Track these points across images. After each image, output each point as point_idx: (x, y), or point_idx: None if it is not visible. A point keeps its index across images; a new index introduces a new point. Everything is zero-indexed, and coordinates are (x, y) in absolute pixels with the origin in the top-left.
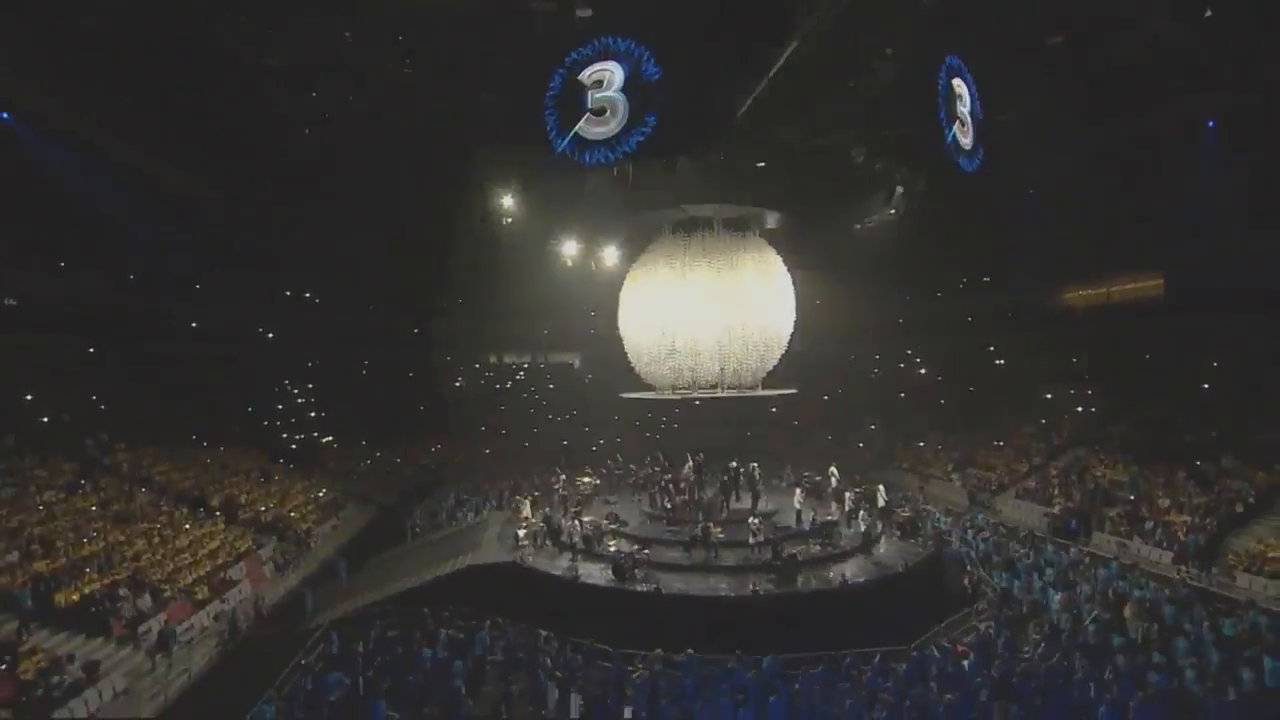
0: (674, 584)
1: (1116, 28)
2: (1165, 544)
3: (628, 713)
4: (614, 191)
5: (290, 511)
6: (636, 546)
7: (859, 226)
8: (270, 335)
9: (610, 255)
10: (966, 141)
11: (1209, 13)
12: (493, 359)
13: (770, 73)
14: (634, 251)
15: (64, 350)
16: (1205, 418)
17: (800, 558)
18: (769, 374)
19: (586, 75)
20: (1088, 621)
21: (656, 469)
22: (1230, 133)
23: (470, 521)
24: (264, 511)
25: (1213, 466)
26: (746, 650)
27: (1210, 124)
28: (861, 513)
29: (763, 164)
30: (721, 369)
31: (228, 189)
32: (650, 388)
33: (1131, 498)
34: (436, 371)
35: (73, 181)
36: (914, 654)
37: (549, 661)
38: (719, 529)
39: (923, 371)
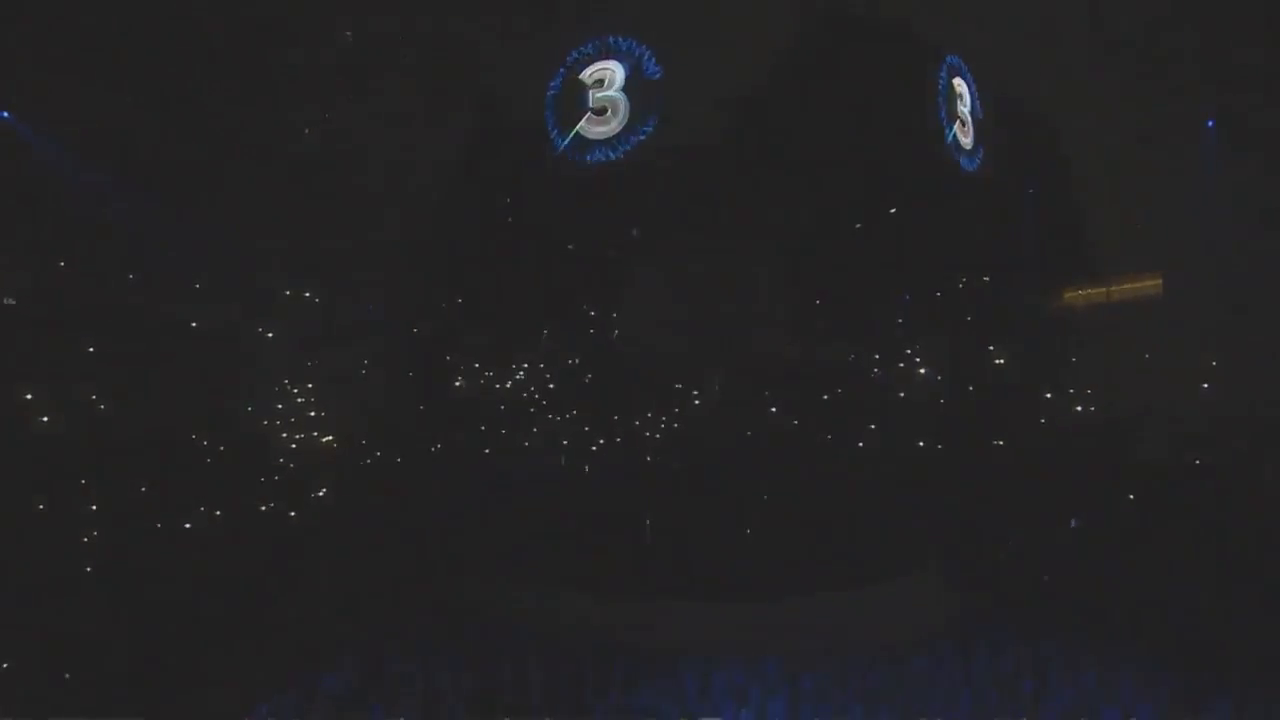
0: None
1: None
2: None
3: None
4: None
5: (290, 511)
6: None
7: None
8: (270, 335)
9: None
10: (966, 141)
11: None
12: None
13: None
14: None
15: (64, 350)
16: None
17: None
18: None
19: (587, 74)
20: None
21: None
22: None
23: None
24: (262, 510)
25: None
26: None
27: (1210, 124)
28: None
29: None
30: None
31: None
32: None
33: (1131, 497)
34: (436, 371)
35: (73, 181)
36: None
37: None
38: None
39: (922, 371)
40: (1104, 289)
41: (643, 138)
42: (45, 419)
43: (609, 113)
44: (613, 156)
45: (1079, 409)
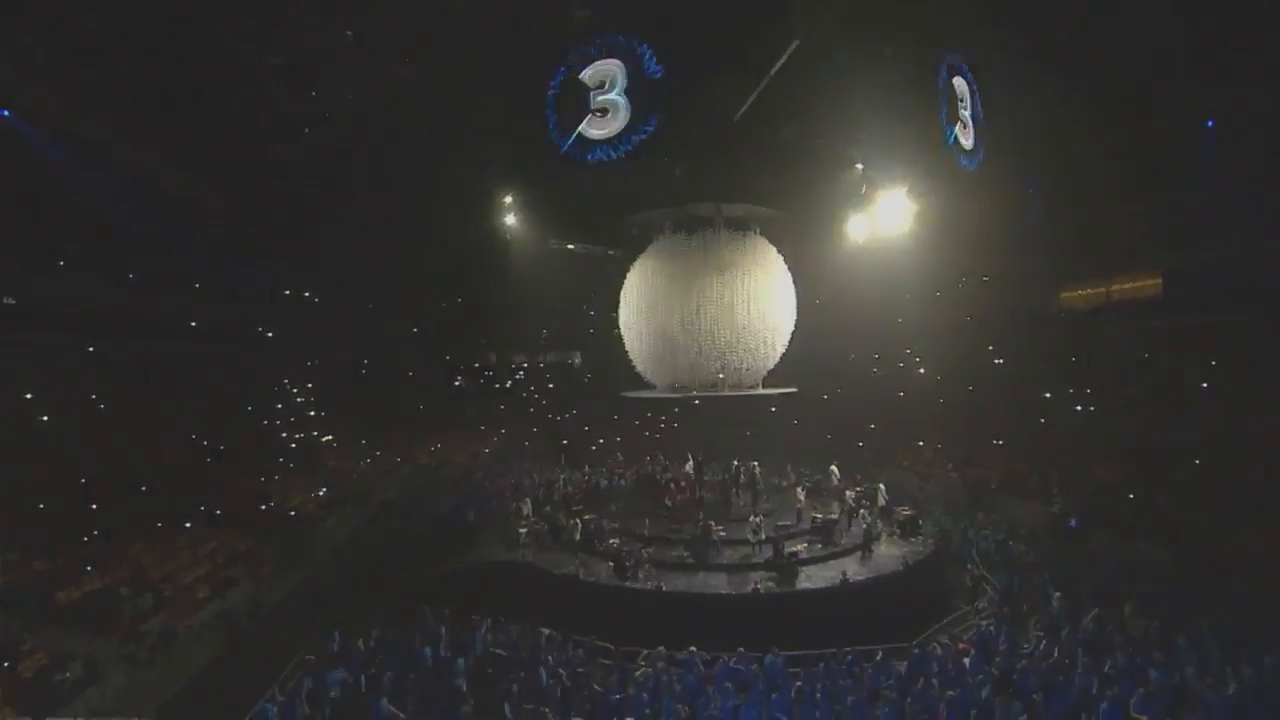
0: (676, 582)
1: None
2: (1165, 542)
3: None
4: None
5: (290, 510)
6: (638, 544)
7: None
8: (270, 335)
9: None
10: (967, 141)
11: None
12: (492, 358)
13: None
14: (634, 250)
15: (64, 350)
16: (1204, 417)
17: (801, 556)
18: (769, 373)
19: (588, 74)
20: (1088, 619)
21: (657, 468)
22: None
23: (470, 520)
24: (264, 510)
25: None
26: (748, 648)
27: (1210, 124)
28: (862, 511)
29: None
30: (722, 367)
31: (228, 188)
32: (651, 386)
33: (1131, 496)
34: (436, 371)
35: (73, 181)
36: (915, 651)
37: (550, 660)
38: (720, 527)
39: (922, 371)
40: None
41: (644, 137)
42: (45, 418)
43: (610, 112)
44: (614, 155)
45: None
